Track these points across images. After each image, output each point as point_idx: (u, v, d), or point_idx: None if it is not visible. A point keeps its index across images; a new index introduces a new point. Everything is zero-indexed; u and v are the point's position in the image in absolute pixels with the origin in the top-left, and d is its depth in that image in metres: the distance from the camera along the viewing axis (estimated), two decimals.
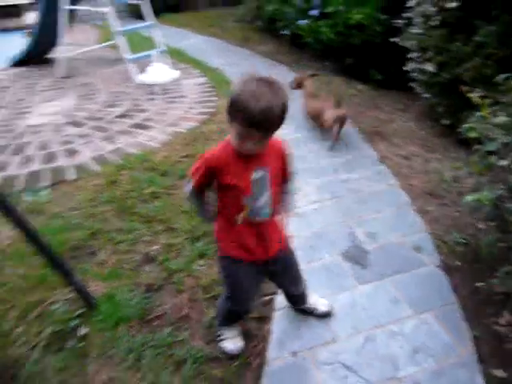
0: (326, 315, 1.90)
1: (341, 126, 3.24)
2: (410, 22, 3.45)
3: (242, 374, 1.68)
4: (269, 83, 1.27)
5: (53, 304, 1.98)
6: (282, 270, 1.68)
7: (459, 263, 2.18)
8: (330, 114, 3.21)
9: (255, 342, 1.81)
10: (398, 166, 3.06)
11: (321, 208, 2.68)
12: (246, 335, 1.82)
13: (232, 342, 1.76)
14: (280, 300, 1.99)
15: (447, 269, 2.15)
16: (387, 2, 4.14)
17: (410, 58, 3.45)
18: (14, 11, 9.66)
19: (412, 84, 3.63)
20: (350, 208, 2.65)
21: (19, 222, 1.68)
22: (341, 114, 3.19)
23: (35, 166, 3.16)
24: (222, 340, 1.77)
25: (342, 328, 1.86)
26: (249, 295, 1.67)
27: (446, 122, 3.24)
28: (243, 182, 1.39)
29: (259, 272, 1.62)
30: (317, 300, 1.93)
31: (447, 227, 2.44)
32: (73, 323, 1.87)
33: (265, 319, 1.91)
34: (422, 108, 3.89)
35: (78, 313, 1.92)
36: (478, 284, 1.98)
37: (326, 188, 2.87)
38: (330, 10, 4.33)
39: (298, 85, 3.66)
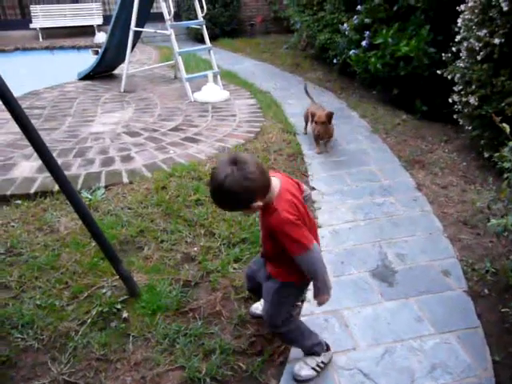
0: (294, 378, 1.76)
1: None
2: (456, 56, 3.54)
3: (264, 368, 1.81)
4: (234, 162, 1.38)
5: (101, 288, 2.21)
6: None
7: (487, 291, 2.21)
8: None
9: (280, 342, 1.93)
10: (434, 195, 3.12)
11: (354, 227, 2.78)
12: (274, 335, 1.95)
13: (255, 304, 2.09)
14: (306, 307, 2.11)
15: (474, 295, 2.19)
16: (436, 36, 4.24)
17: (455, 91, 3.52)
18: (89, 31, 10.54)
19: (456, 116, 3.70)
20: (382, 230, 2.74)
21: (83, 214, 1.91)
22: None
23: (94, 168, 3.47)
24: None
25: (362, 338, 1.94)
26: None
27: (487, 154, 3.27)
28: None
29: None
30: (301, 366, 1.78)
31: (479, 256, 2.47)
32: (117, 307, 2.08)
33: None
34: (465, 140, 3.92)
35: (121, 298, 2.13)
36: (504, 310, 2.01)
37: (361, 209, 2.97)
38: (378, 41, 4.49)
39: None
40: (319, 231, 2.71)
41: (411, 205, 3.01)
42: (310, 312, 2.09)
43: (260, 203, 1.44)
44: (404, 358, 1.84)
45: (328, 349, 1.82)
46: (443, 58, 3.79)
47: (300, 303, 2.12)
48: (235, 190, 1.35)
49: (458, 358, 1.84)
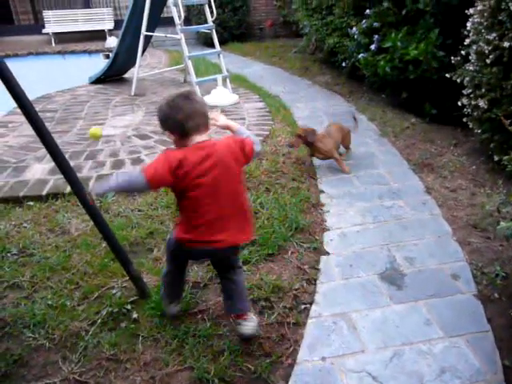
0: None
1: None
2: (466, 59, 3.54)
3: (273, 370, 1.81)
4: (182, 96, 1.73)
5: (111, 289, 2.23)
6: None
7: (497, 295, 2.20)
8: None
9: (289, 343, 1.94)
10: (443, 198, 3.11)
11: (363, 230, 2.78)
12: (282, 337, 1.96)
13: None
14: (314, 309, 2.12)
15: (484, 299, 2.18)
16: (445, 39, 4.23)
17: (464, 94, 3.52)
18: (100, 35, 10.67)
19: (465, 120, 3.68)
20: (391, 233, 2.74)
21: (94, 215, 1.94)
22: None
23: (105, 171, 3.51)
24: None
25: (371, 341, 1.94)
26: None
27: (497, 157, 3.25)
28: None
29: None
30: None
31: (488, 260, 2.46)
32: (127, 307, 2.10)
33: (300, 325, 2.04)
34: (474, 143, 3.90)
35: (131, 299, 2.15)
36: None
37: (370, 212, 2.97)
38: (387, 45, 4.49)
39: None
40: (328, 234, 2.74)
41: (420, 208, 3.00)
42: (318, 314, 2.09)
43: (172, 136, 1.72)
44: (413, 362, 1.84)
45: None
46: (452, 62, 3.79)
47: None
48: (161, 108, 1.73)
49: (467, 361, 1.83)
